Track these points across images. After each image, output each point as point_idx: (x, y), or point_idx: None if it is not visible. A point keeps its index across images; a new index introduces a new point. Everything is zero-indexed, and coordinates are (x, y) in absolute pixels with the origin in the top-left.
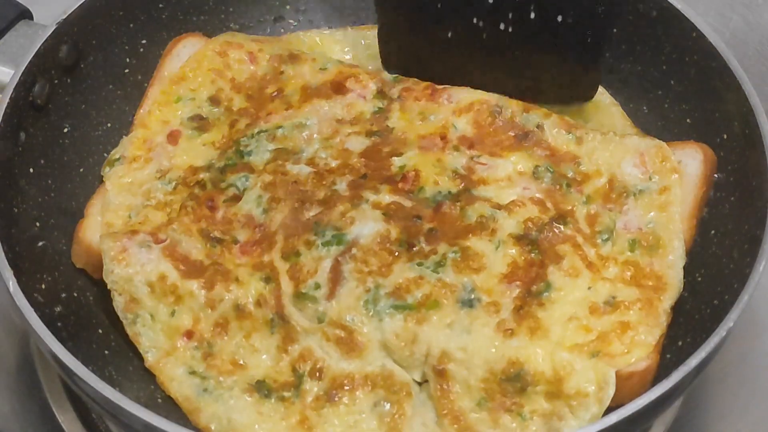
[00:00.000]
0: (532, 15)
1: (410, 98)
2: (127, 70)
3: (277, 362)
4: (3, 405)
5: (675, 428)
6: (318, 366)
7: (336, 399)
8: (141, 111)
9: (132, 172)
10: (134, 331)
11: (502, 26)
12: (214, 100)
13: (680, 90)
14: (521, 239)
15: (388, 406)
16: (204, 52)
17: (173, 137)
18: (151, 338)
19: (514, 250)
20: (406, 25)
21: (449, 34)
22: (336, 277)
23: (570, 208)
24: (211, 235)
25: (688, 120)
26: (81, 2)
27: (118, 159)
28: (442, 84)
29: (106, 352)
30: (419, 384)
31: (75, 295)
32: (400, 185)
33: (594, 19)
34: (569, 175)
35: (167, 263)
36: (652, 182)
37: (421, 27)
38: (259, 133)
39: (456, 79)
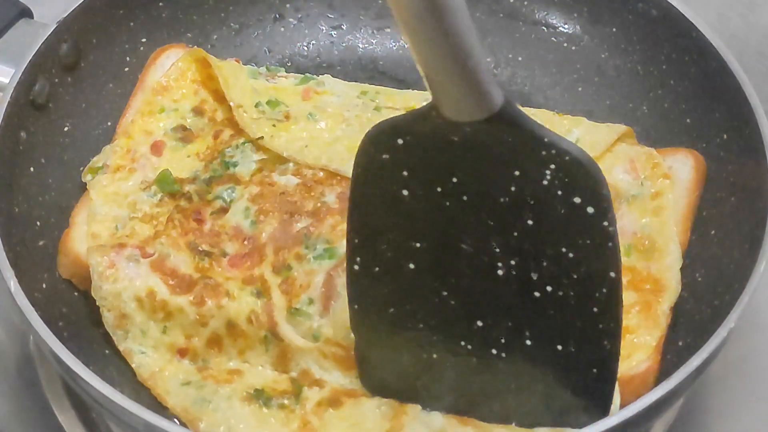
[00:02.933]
0: (528, 342)
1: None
2: (127, 69)
3: (275, 377)
4: (3, 405)
5: (676, 428)
6: (318, 379)
7: (338, 403)
8: (123, 120)
9: (116, 182)
10: (126, 347)
11: (493, 351)
12: (197, 111)
13: (680, 90)
14: None
15: (390, 406)
16: (187, 64)
17: (157, 148)
18: (143, 355)
19: None
20: (386, 346)
21: (434, 355)
22: (329, 291)
23: None
24: (200, 248)
25: (687, 120)
26: (81, 1)
27: (101, 167)
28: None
29: (107, 351)
30: None
31: (76, 294)
32: None
33: (600, 350)
34: None
35: (156, 277)
36: (644, 188)
37: (400, 349)
38: (243, 143)
39: (441, 400)
